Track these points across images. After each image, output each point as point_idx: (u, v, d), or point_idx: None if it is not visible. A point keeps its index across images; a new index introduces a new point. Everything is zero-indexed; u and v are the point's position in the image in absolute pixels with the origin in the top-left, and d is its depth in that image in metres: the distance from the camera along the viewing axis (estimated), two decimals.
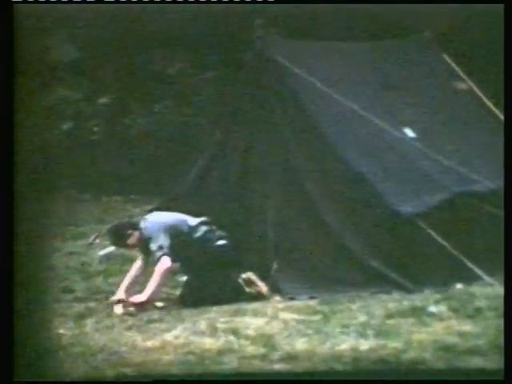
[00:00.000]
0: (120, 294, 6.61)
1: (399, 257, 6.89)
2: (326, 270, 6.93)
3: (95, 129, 11.53)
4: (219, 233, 6.88)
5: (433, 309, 6.11)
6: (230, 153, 7.51)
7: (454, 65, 8.27)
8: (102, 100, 12.22)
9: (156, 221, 6.77)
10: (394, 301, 6.42)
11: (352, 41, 8.50)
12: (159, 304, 6.61)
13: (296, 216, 7.11)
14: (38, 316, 5.36)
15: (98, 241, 8.90)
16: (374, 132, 7.27)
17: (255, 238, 7.18)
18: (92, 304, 6.68)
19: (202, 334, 5.78)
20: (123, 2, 5.94)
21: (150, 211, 7.19)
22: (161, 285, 6.60)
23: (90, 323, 6.14)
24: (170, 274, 6.69)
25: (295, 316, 6.18)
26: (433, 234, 6.78)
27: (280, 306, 6.50)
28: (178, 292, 6.95)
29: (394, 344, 5.34)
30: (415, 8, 10.29)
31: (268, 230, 7.09)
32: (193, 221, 6.82)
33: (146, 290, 6.55)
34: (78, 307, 6.58)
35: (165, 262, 6.54)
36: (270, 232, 7.08)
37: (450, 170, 7.18)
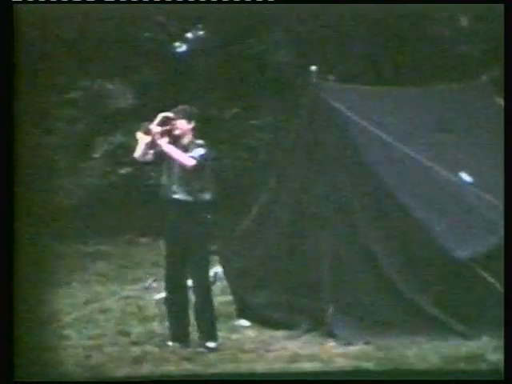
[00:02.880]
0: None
1: (456, 302, 6.81)
2: (381, 315, 6.89)
3: (152, 173, 11.64)
4: None
5: (491, 356, 6.02)
6: (285, 197, 7.54)
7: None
8: None
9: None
10: (451, 347, 6.35)
11: (410, 85, 8.50)
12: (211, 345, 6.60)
13: (351, 260, 7.09)
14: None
15: (154, 285, 8.95)
16: (429, 176, 7.24)
17: (310, 283, 7.17)
18: (148, 348, 6.69)
19: None
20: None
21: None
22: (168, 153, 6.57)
23: (146, 367, 6.16)
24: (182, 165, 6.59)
25: (350, 362, 6.14)
26: (490, 278, 6.71)
27: (335, 351, 6.48)
28: (234, 336, 6.96)
29: None
30: (473, 52, 10.28)
31: (323, 275, 7.08)
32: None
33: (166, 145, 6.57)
34: (135, 351, 6.60)
35: (190, 160, 6.53)
36: (325, 276, 7.06)
37: None
